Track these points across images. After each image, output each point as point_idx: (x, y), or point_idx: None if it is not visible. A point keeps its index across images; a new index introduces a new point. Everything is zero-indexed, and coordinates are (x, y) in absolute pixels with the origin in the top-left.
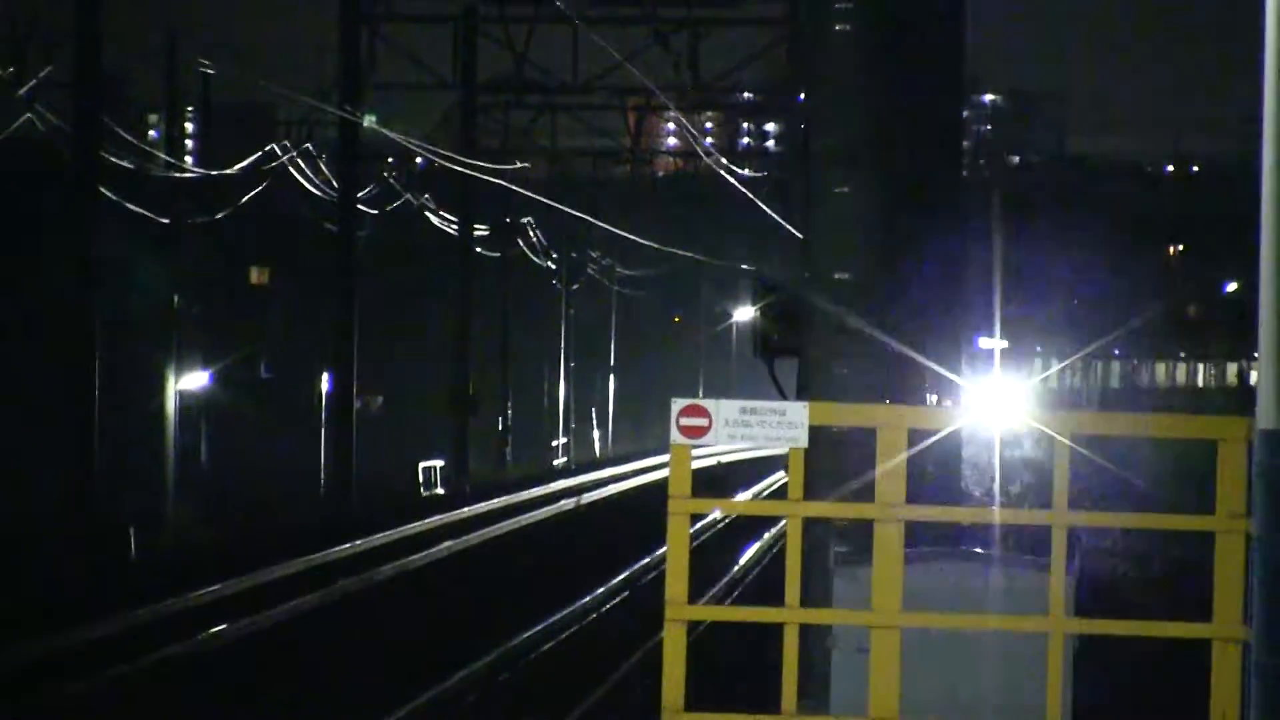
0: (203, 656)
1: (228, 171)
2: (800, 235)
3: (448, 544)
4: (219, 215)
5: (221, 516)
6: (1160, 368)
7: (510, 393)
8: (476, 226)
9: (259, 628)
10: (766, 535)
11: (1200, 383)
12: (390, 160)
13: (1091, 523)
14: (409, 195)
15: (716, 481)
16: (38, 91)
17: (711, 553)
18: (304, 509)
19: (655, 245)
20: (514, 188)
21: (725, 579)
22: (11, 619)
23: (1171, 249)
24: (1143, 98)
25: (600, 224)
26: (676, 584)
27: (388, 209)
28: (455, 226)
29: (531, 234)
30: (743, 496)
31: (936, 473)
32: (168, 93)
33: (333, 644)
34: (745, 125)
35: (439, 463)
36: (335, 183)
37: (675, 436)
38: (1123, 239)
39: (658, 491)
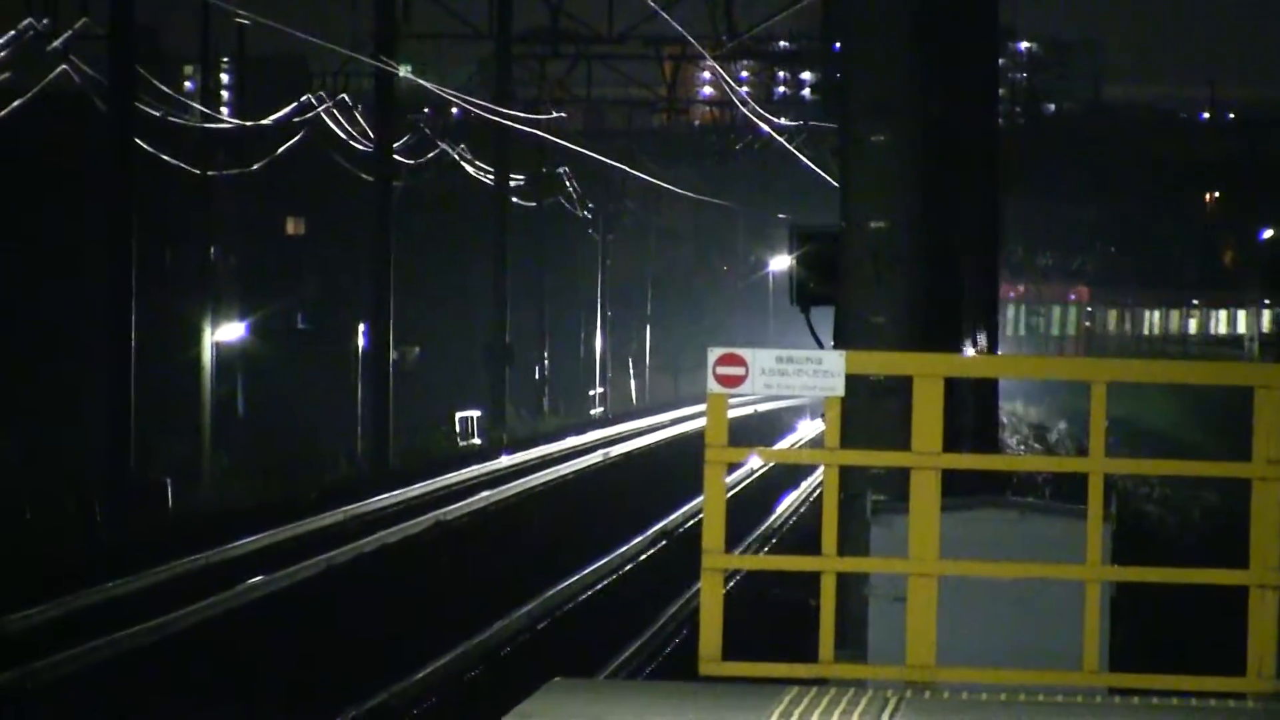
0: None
1: (263, 122)
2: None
3: (485, 494)
4: (254, 166)
5: (258, 469)
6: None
7: (547, 343)
8: (513, 176)
9: (295, 580)
10: (804, 483)
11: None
12: (426, 111)
13: (1128, 470)
14: (445, 145)
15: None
16: (72, 43)
17: (749, 501)
18: (341, 461)
19: (692, 195)
20: (550, 137)
21: (762, 527)
22: (50, 575)
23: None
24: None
25: (636, 174)
26: (713, 534)
27: (424, 159)
28: (491, 177)
29: (568, 184)
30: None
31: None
32: (203, 44)
33: (371, 597)
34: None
35: (475, 413)
36: (371, 133)
37: (712, 385)
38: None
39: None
